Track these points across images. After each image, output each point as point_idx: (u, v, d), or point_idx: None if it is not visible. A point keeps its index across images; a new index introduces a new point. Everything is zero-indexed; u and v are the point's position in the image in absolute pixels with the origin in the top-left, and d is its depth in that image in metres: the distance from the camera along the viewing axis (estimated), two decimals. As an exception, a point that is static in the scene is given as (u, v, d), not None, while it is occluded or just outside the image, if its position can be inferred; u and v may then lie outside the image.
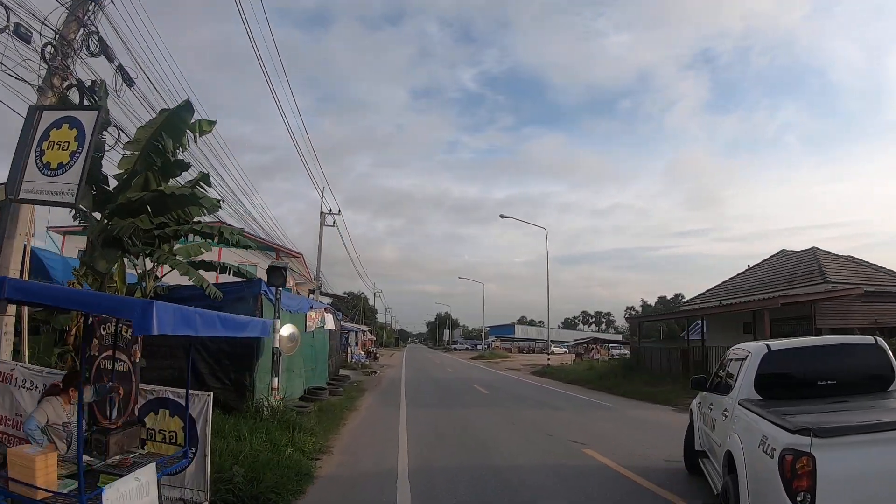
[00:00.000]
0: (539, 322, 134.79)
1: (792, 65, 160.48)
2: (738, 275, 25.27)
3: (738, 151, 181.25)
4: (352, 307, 65.01)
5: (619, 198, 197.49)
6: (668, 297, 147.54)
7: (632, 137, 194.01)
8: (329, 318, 17.94)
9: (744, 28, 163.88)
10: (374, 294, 75.31)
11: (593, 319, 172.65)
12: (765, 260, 24.96)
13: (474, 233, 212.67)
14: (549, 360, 32.15)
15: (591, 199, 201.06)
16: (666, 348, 21.69)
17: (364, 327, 43.06)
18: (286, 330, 10.00)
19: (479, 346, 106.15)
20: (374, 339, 67.53)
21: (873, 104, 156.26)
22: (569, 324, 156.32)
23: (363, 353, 36.15)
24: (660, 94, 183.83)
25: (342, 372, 22.53)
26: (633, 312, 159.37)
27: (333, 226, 32.75)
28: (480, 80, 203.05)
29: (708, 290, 25.43)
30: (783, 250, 24.69)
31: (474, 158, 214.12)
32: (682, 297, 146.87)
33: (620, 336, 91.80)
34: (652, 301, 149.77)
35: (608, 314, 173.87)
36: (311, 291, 34.25)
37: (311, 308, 14.73)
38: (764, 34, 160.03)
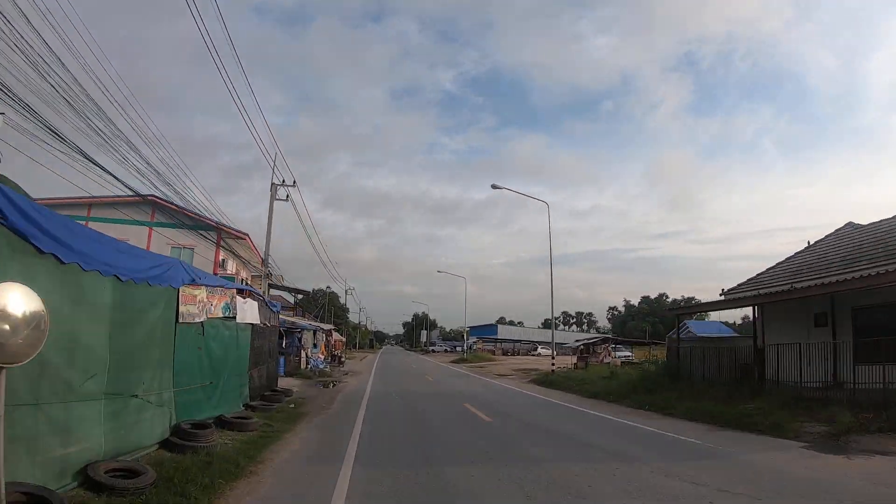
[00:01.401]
0: (519, 322, 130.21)
1: (771, 69, 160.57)
2: (796, 254, 19.95)
3: (717, 154, 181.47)
4: (318, 305, 58.42)
5: (598, 199, 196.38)
6: (652, 297, 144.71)
7: (613, 139, 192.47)
8: (247, 305, 11.74)
9: (727, 32, 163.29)
10: (346, 291, 68.74)
11: (574, 320, 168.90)
12: (829, 235, 19.77)
13: (453, 233, 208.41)
14: (554, 365, 26.24)
15: (570, 200, 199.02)
16: (728, 348, 16.04)
17: (326, 325, 36.70)
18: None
19: (458, 348, 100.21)
20: (344, 340, 61.06)
21: (844, 108, 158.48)
22: (549, 325, 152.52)
23: (323, 357, 29.85)
24: (642, 97, 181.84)
25: (282, 385, 16.35)
26: (617, 312, 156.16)
27: (287, 199, 26.49)
28: (462, 81, 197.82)
29: (759, 275, 20.00)
30: (850, 222, 19.63)
31: (454, 159, 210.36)
32: (666, 296, 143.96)
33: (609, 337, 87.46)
34: (635, 301, 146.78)
35: (590, 314, 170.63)
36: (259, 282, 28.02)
37: (197, 282, 8.56)
38: (746, 39, 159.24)
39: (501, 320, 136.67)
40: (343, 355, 35.51)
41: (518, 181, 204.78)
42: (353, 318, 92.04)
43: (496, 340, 75.22)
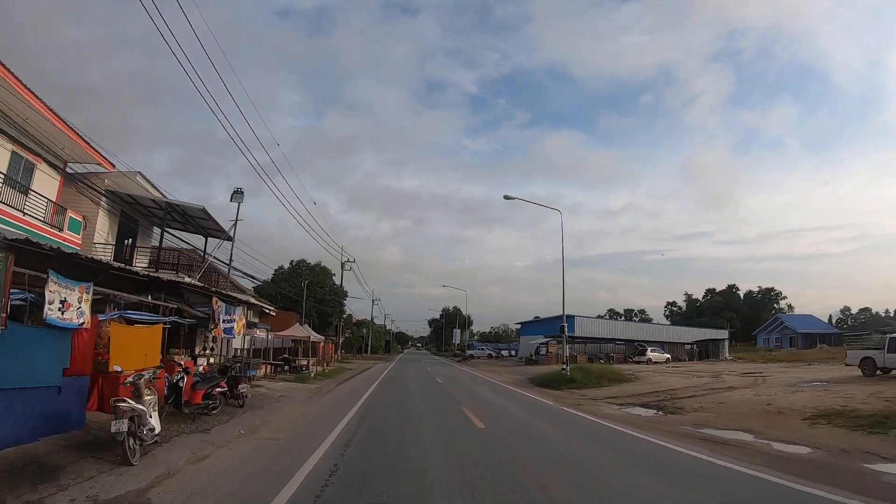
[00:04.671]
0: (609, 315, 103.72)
1: (809, 62, 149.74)
2: None
3: (751, 151, 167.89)
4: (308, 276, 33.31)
5: (630, 198, 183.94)
6: (718, 290, 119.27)
7: (648, 135, 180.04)
8: None
9: (770, 22, 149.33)
10: (342, 264, 43.56)
11: (623, 318, 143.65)
12: None
13: (479, 235, 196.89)
14: None
15: (602, 199, 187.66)
16: None
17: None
18: None
19: (503, 352, 74.15)
20: (330, 342, 35.82)
21: (873, 103, 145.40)
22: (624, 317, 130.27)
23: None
24: (681, 89, 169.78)
25: None
26: (676, 309, 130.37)
27: None
28: (493, 78, 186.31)
29: None
30: None
31: (483, 158, 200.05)
32: (736, 288, 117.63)
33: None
34: (698, 294, 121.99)
35: (642, 311, 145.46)
36: None
37: None
38: (788, 29, 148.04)
39: (537, 319, 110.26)
40: (239, 379, 10.11)
41: (549, 180, 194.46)
42: (361, 312, 67.20)
43: (574, 339, 48.80)
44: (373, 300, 70.03)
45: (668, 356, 46.41)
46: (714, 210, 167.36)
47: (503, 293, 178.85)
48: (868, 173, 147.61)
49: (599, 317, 63.66)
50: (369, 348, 69.54)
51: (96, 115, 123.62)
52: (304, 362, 24.76)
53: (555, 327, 52.80)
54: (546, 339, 43.39)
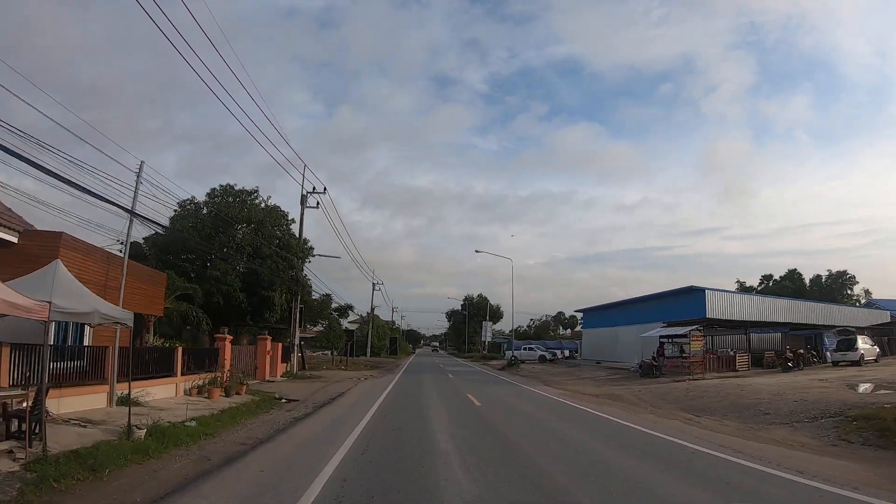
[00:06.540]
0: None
1: (824, 52, 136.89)
2: None
3: (768, 142, 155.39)
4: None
5: (646, 192, 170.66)
6: (778, 276, 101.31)
7: (665, 126, 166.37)
8: None
9: (789, 12, 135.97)
10: (304, 196, 23.96)
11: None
12: None
13: (495, 232, 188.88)
14: None
15: (618, 194, 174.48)
16: None
17: None
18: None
19: (557, 353, 54.19)
20: (265, 338, 16.43)
21: (881, 97, 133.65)
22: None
23: None
24: (700, 78, 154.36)
25: None
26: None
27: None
28: (506, 73, 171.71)
29: None
30: None
31: (495, 154, 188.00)
32: (798, 273, 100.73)
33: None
34: (752, 281, 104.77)
35: None
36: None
37: None
38: (809, 15, 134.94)
39: (571, 312, 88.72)
40: None
41: (563, 175, 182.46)
42: (358, 302, 47.72)
43: (709, 324, 28.58)
44: (373, 283, 50.47)
45: (878, 349, 26.76)
46: (736, 202, 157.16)
47: (519, 291, 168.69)
48: (878, 166, 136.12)
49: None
50: (368, 350, 50.08)
51: (104, 114, 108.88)
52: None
53: (678, 309, 30.29)
54: (685, 331, 23.11)
